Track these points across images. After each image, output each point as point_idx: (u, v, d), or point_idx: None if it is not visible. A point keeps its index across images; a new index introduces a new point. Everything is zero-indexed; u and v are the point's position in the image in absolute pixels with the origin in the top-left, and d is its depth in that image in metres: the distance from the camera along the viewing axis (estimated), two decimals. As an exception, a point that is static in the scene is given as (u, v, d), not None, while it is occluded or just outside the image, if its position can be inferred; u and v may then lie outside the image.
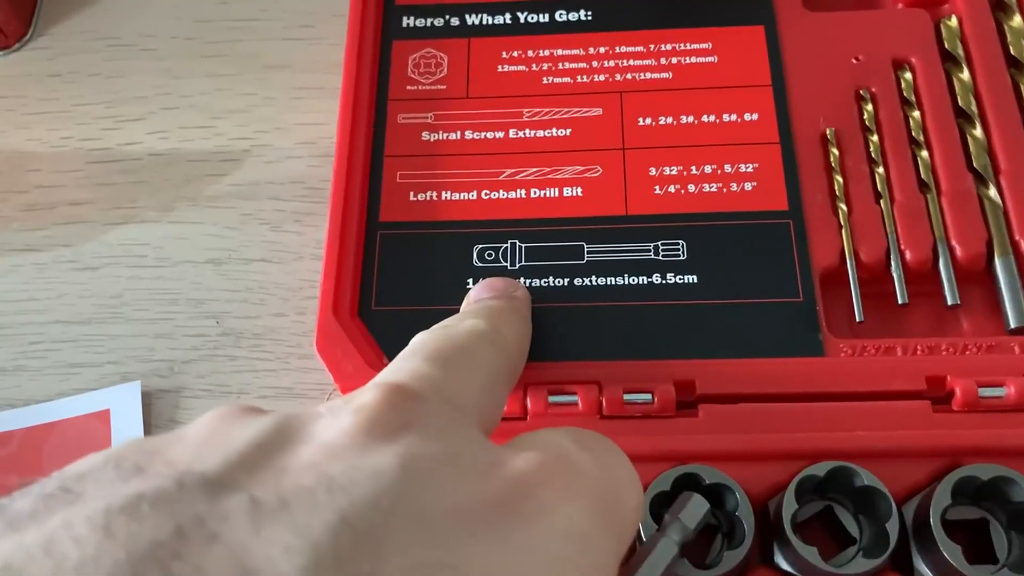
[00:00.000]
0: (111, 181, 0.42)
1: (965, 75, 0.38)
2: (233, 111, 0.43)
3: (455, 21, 0.41)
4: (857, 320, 0.34)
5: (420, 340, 0.25)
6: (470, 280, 0.36)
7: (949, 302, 0.34)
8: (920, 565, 0.29)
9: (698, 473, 0.29)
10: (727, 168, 0.37)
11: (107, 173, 0.42)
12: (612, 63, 0.40)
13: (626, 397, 0.32)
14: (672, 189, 0.37)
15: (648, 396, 0.32)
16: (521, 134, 0.39)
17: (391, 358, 0.34)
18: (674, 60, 0.40)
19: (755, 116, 0.38)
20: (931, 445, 0.30)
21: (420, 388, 0.20)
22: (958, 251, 0.35)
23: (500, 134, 0.39)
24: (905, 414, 0.31)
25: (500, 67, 0.40)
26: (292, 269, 0.39)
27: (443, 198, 0.38)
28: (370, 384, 0.20)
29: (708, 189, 0.37)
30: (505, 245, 0.36)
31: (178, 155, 0.43)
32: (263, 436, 0.18)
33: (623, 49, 0.40)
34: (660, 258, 0.36)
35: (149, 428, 0.37)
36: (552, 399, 0.32)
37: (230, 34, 0.45)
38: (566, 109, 0.39)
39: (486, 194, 0.37)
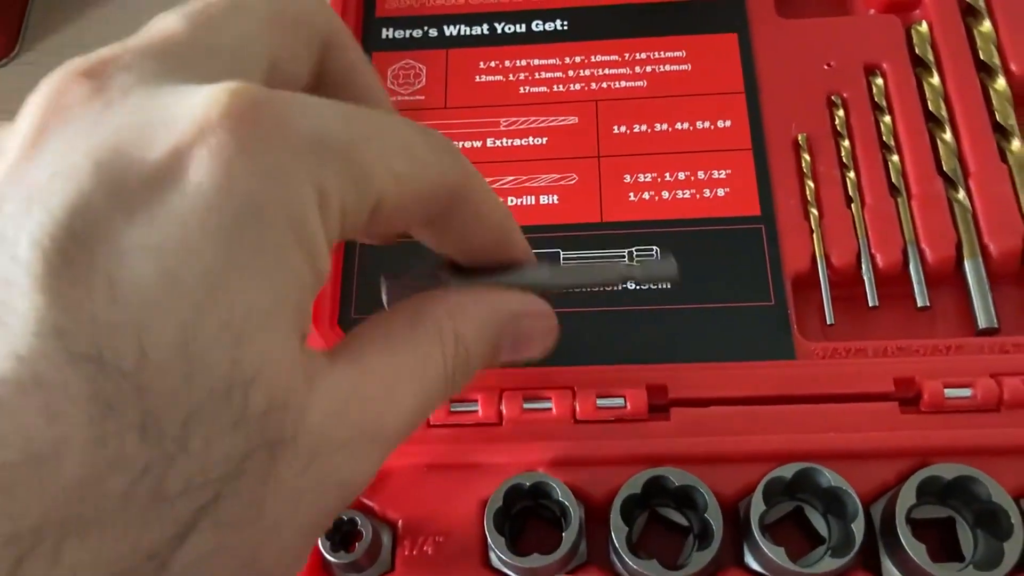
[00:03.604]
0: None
1: (935, 80, 0.39)
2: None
3: (433, 32, 0.42)
4: (828, 323, 0.35)
5: None
6: (448, 288, 0.36)
7: (919, 304, 0.35)
8: (888, 564, 0.30)
9: (667, 475, 0.30)
10: (700, 175, 0.37)
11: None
12: (588, 72, 0.40)
13: (599, 402, 0.32)
14: (646, 196, 0.37)
15: (621, 400, 0.32)
16: (498, 143, 0.39)
17: (370, 365, 0.35)
18: (649, 68, 0.40)
19: (728, 123, 0.38)
20: (899, 446, 0.31)
21: (116, 50, 0.20)
22: (928, 254, 0.35)
23: (478, 143, 0.39)
24: (873, 415, 0.32)
25: (478, 77, 0.41)
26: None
27: (422, 207, 0.38)
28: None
29: (682, 195, 0.37)
30: (482, 253, 0.37)
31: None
32: None
33: (598, 58, 0.41)
34: (634, 264, 0.36)
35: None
36: (527, 405, 0.33)
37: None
38: (542, 118, 0.40)
39: (464, 203, 0.38)
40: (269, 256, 0.18)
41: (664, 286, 0.35)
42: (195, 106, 0.18)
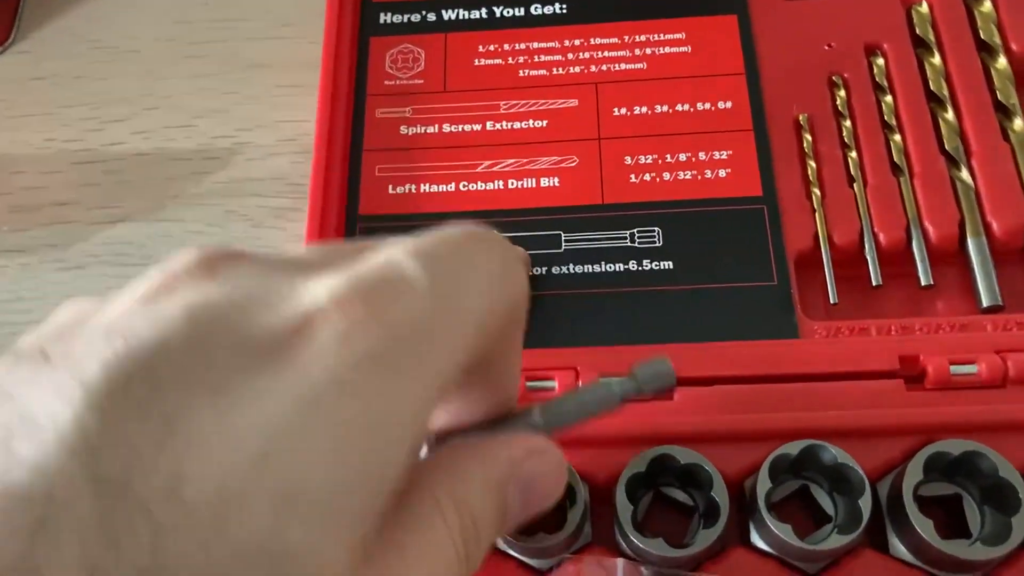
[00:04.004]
0: (95, 181, 0.43)
1: (936, 60, 0.39)
2: (215, 110, 0.44)
3: (431, 16, 0.42)
4: (831, 302, 0.35)
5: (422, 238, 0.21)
6: (449, 271, 0.36)
7: (923, 282, 0.35)
8: (895, 541, 0.29)
9: (673, 454, 0.30)
10: (701, 156, 0.37)
11: (92, 174, 0.43)
12: (587, 55, 0.40)
13: (602, 381, 0.32)
14: (648, 177, 0.37)
15: (624, 380, 0.32)
16: (498, 126, 0.39)
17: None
18: (648, 51, 0.40)
19: (729, 104, 0.38)
20: (904, 423, 0.31)
21: (245, 249, 0.19)
22: (931, 232, 0.35)
23: (477, 127, 0.39)
24: (879, 393, 0.31)
25: (476, 61, 0.41)
26: (274, 264, 0.40)
27: (422, 191, 0.38)
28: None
29: (683, 176, 0.37)
30: (484, 236, 0.37)
31: (162, 155, 0.43)
32: (80, 306, 0.18)
33: (598, 41, 0.40)
34: (636, 245, 0.36)
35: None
36: (530, 384, 0.32)
37: (212, 34, 0.46)
38: (542, 101, 0.39)
39: (464, 186, 0.38)
40: (372, 460, 0.17)
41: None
42: (317, 290, 0.17)
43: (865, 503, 0.28)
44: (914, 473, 0.29)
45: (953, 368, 0.31)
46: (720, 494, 0.29)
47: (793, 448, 0.29)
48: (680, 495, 0.31)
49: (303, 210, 0.38)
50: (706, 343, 0.33)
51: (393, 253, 0.19)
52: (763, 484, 0.29)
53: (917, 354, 0.32)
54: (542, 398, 0.32)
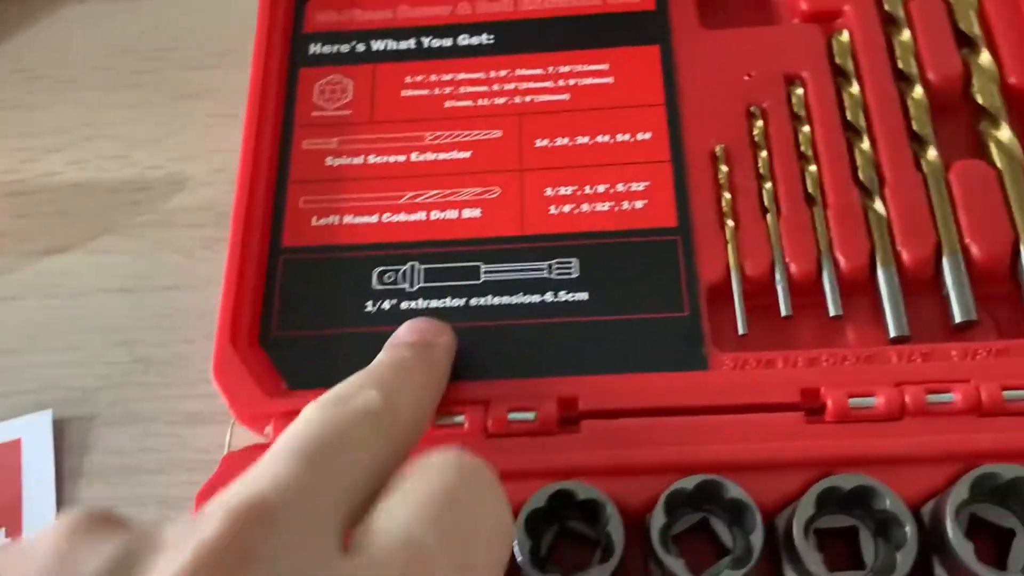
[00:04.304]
0: (28, 213, 0.43)
1: (855, 89, 0.39)
2: (148, 140, 0.44)
3: (361, 47, 0.42)
4: (740, 333, 0.35)
5: (303, 424, 0.24)
6: (369, 302, 0.37)
7: (832, 313, 0.35)
8: (790, 574, 0.30)
9: (572, 489, 0.30)
10: (619, 187, 0.38)
11: (25, 205, 0.43)
12: (512, 86, 0.41)
13: (511, 416, 0.33)
14: (567, 208, 0.38)
15: (532, 414, 0.33)
16: (423, 157, 0.39)
17: (291, 384, 0.35)
18: (572, 82, 0.40)
19: (648, 135, 0.39)
20: (803, 456, 0.31)
21: (276, 502, 0.20)
22: (842, 263, 0.36)
23: (402, 157, 0.40)
24: (778, 426, 0.32)
25: (404, 91, 0.41)
26: (202, 296, 0.40)
27: (345, 222, 0.38)
28: (221, 503, 0.20)
29: (601, 208, 0.38)
30: (404, 267, 0.37)
31: (96, 185, 0.43)
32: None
33: (523, 72, 0.41)
34: (553, 276, 0.36)
35: (61, 455, 0.38)
36: (439, 420, 0.33)
37: (148, 64, 0.46)
38: (467, 132, 0.40)
39: (387, 217, 0.38)
40: None
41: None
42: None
43: (756, 538, 0.29)
44: (806, 507, 0.29)
45: (852, 401, 0.32)
46: (615, 529, 0.29)
47: (689, 483, 0.30)
48: (585, 529, 0.32)
49: (230, 240, 0.38)
50: (614, 374, 0.34)
51: (403, 530, 0.21)
52: (658, 519, 0.29)
53: (818, 387, 0.32)
54: (449, 435, 0.33)
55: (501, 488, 0.24)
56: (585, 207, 0.38)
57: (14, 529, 0.36)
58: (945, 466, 0.31)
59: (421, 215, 0.38)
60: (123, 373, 0.39)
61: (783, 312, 0.35)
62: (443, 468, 0.23)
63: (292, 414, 0.33)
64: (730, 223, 0.37)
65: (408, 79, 0.41)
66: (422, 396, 0.30)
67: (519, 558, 0.29)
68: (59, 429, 0.38)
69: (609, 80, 0.40)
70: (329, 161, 0.40)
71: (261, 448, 0.34)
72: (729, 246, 0.36)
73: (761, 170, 0.38)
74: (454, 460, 0.23)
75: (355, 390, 0.27)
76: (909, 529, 0.28)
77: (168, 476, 0.37)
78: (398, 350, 0.32)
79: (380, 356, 0.32)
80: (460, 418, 0.33)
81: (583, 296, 0.36)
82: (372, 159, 0.40)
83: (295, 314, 0.37)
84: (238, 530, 0.19)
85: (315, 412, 0.25)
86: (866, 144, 0.38)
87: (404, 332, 0.33)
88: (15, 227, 0.43)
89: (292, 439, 0.23)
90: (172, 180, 0.43)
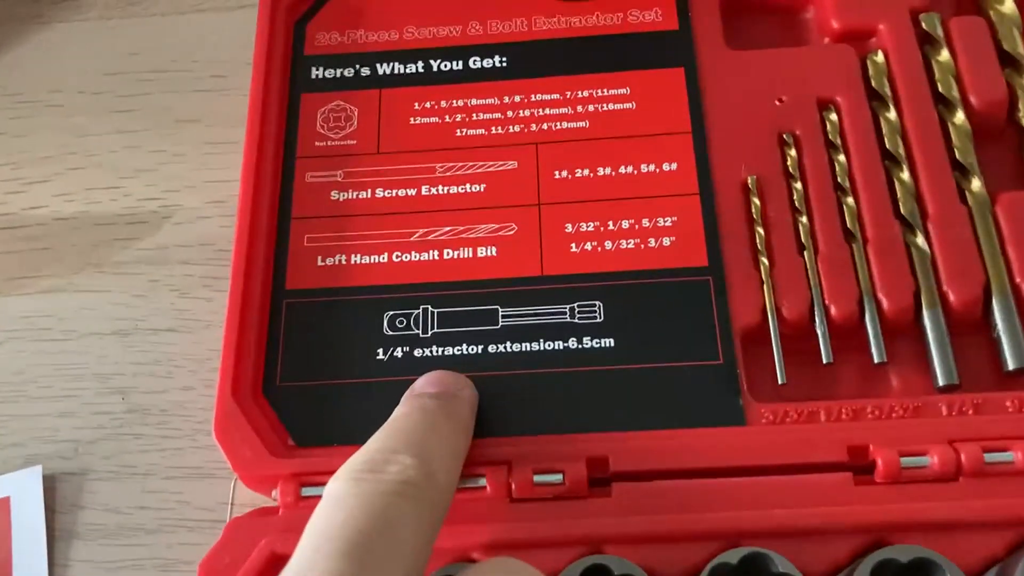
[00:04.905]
0: (14, 249, 0.40)
1: (892, 114, 0.37)
2: (142, 170, 0.42)
3: (366, 71, 0.40)
4: (780, 383, 0.33)
5: (339, 506, 0.23)
6: (380, 350, 0.34)
7: (876, 360, 0.33)
8: (842, 650, 0.28)
9: (606, 564, 0.28)
10: (645, 223, 0.35)
11: (10, 240, 0.41)
12: (527, 112, 0.38)
13: (536, 478, 0.30)
14: (589, 247, 0.35)
15: (559, 476, 0.30)
16: (434, 190, 0.37)
17: (296, 439, 0.33)
18: (591, 107, 0.38)
19: (674, 166, 0.36)
20: (853, 522, 0.29)
21: None
22: (885, 304, 0.33)
23: (412, 191, 0.37)
24: (826, 488, 0.30)
25: (412, 119, 0.39)
26: (200, 339, 0.38)
27: (352, 262, 0.36)
28: None
29: (626, 245, 0.35)
30: (417, 311, 0.35)
31: (85, 219, 0.41)
32: None
33: (539, 97, 0.38)
34: (576, 321, 0.34)
35: (52, 514, 0.35)
36: (460, 484, 0.30)
37: (140, 87, 0.44)
38: (480, 163, 0.37)
39: (397, 256, 0.36)
40: None
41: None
42: None
43: (808, 617, 0.27)
44: (861, 582, 0.27)
45: (904, 460, 0.30)
46: (655, 608, 0.27)
47: (733, 556, 0.28)
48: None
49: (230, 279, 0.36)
50: (647, 431, 0.32)
51: None
52: (701, 596, 0.27)
53: (867, 444, 0.30)
54: (470, 500, 0.30)
55: None
56: (609, 245, 0.35)
57: (3, 596, 0.34)
58: (1006, 532, 0.28)
59: (433, 254, 0.36)
60: (117, 424, 0.37)
61: (824, 359, 0.33)
62: None
63: (300, 477, 0.31)
64: (765, 261, 0.34)
65: (416, 105, 0.39)
66: (453, 455, 0.28)
67: (551, 641, 0.27)
68: (49, 485, 0.36)
69: (631, 105, 0.38)
70: (334, 195, 0.37)
71: (269, 512, 0.32)
72: (765, 286, 0.34)
73: (796, 203, 0.35)
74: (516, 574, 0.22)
75: (387, 456, 0.25)
76: (973, 608, 0.26)
77: (168, 536, 0.35)
78: (421, 401, 0.30)
79: (402, 409, 0.30)
80: (482, 481, 0.31)
81: (609, 342, 0.34)
82: (380, 193, 0.37)
83: (301, 363, 0.34)
84: None
85: (350, 488, 0.24)
86: (906, 174, 0.36)
87: (424, 384, 0.31)
88: (1, 265, 0.40)
89: (332, 528, 0.22)
90: (167, 213, 0.41)
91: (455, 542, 0.30)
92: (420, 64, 0.40)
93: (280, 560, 0.30)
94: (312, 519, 0.23)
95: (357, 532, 0.22)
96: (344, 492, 0.24)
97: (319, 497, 0.30)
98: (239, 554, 0.30)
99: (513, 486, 0.30)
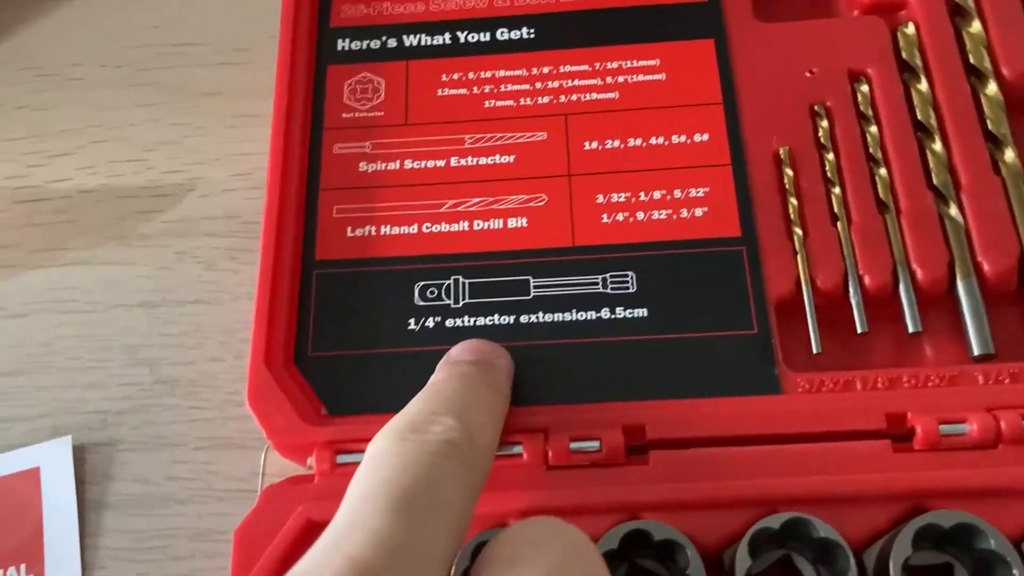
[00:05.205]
0: (38, 221, 0.40)
1: (923, 86, 0.37)
2: (165, 143, 0.41)
3: (392, 43, 0.40)
4: (814, 352, 0.33)
5: (384, 463, 0.23)
6: (412, 320, 0.34)
7: (910, 329, 0.33)
8: (882, 616, 0.28)
9: (647, 529, 0.28)
10: (677, 193, 0.35)
11: (34, 213, 0.40)
12: (556, 83, 0.38)
13: (572, 445, 0.30)
14: (620, 217, 0.35)
15: (596, 444, 0.30)
16: (463, 162, 0.37)
17: (329, 407, 0.33)
18: (621, 79, 0.38)
19: (706, 136, 0.36)
20: (892, 489, 0.29)
21: (379, 567, 0.19)
22: (919, 274, 0.33)
23: (441, 163, 0.37)
24: (865, 456, 0.30)
25: (440, 91, 0.38)
26: (228, 310, 0.38)
27: (382, 233, 0.36)
28: (325, 573, 0.19)
29: (658, 216, 0.35)
30: (448, 281, 0.35)
31: (108, 191, 0.41)
32: None
33: (567, 68, 0.38)
34: (609, 291, 0.34)
35: (82, 485, 0.35)
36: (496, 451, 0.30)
37: (161, 60, 0.43)
38: (509, 134, 0.37)
39: (427, 227, 0.36)
40: None
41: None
42: None
43: (851, 581, 0.27)
44: (903, 547, 0.27)
45: (943, 427, 0.30)
46: (697, 572, 0.27)
47: (775, 521, 0.28)
48: (658, 567, 0.29)
49: (257, 250, 0.36)
50: (683, 400, 0.31)
51: None
52: (743, 561, 0.27)
53: (905, 412, 0.30)
54: (507, 467, 0.30)
55: (603, 561, 0.22)
56: (640, 215, 0.35)
57: (35, 565, 0.34)
58: (1046, 498, 0.28)
59: (463, 225, 0.36)
60: (146, 395, 0.36)
61: (859, 329, 0.33)
62: (548, 543, 0.21)
63: (335, 444, 0.31)
64: (798, 232, 0.34)
65: (444, 77, 0.39)
66: (493, 419, 0.28)
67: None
68: (78, 456, 0.36)
69: (661, 77, 0.38)
70: (362, 167, 0.37)
71: (304, 480, 0.32)
72: (798, 257, 0.34)
73: (828, 174, 0.35)
74: (561, 533, 0.22)
75: (428, 417, 0.25)
76: (1017, 570, 0.26)
77: (198, 506, 0.34)
78: (460, 367, 0.30)
79: (440, 375, 0.30)
80: (518, 448, 0.31)
81: (642, 312, 0.34)
82: (408, 164, 0.37)
83: (332, 333, 0.34)
84: None
85: (393, 447, 0.24)
86: (938, 145, 0.35)
87: (460, 351, 0.31)
88: (24, 237, 0.40)
89: (378, 484, 0.22)
90: (191, 186, 0.40)
91: (492, 508, 0.29)
92: (447, 35, 0.40)
93: (316, 527, 0.30)
94: (356, 477, 0.23)
95: (402, 489, 0.22)
96: (388, 451, 0.23)
97: (354, 464, 0.31)
98: (275, 522, 0.30)
99: (550, 453, 0.30)
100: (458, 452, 0.24)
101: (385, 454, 0.23)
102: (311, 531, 0.30)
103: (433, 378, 0.29)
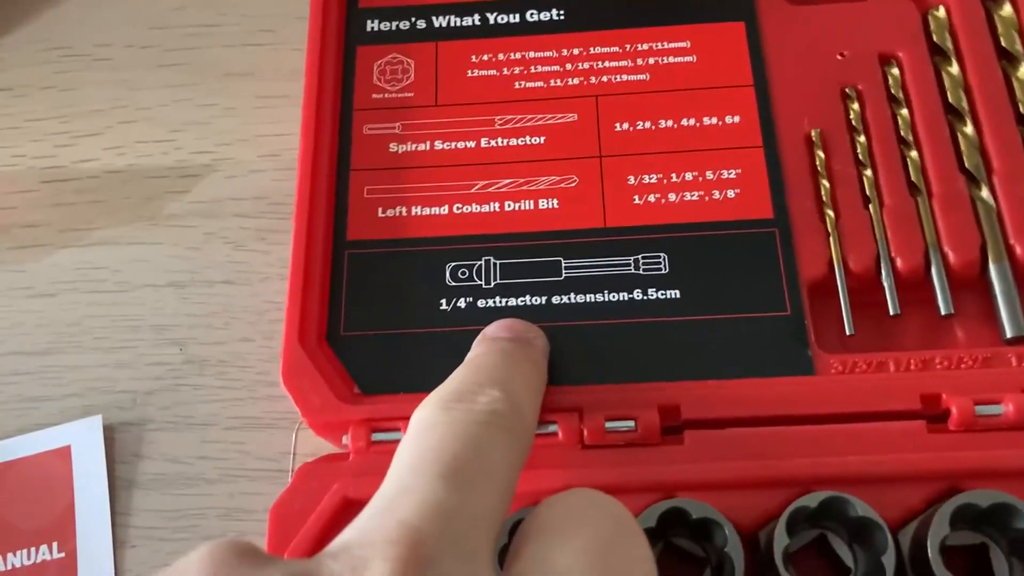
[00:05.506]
0: (66, 201, 0.40)
1: (955, 69, 0.37)
2: (193, 123, 0.41)
3: (421, 24, 0.40)
4: (847, 333, 0.33)
5: (432, 431, 0.23)
6: (443, 300, 0.34)
7: (943, 312, 0.33)
8: (918, 595, 0.28)
9: (685, 508, 0.28)
10: (709, 175, 0.35)
11: (62, 192, 0.41)
12: (586, 65, 0.38)
13: (608, 425, 0.30)
14: (652, 198, 0.35)
15: (631, 423, 0.30)
16: (493, 143, 0.37)
17: (362, 386, 0.33)
18: (651, 60, 0.38)
19: (737, 118, 0.36)
20: (928, 469, 0.29)
21: (432, 534, 0.19)
22: (951, 257, 0.33)
23: (471, 144, 0.37)
24: (900, 436, 0.30)
25: (470, 72, 0.38)
26: (258, 291, 0.38)
27: (413, 213, 0.36)
28: (376, 538, 0.19)
29: (689, 197, 0.35)
30: (479, 262, 0.35)
31: (136, 172, 0.41)
32: None
33: (598, 50, 0.38)
34: (641, 272, 0.34)
35: (112, 464, 0.35)
36: (531, 429, 0.30)
37: (188, 41, 0.43)
38: (539, 116, 0.37)
39: (458, 208, 0.36)
40: None
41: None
42: None
43: (888, 560, 0.27)
44: (940, 526, 0.27)
45: (978, 408, 0.30)
46: (734, 550, 0.27)
47: (812, 500, 0.28)
48: (692, 547, 0.29)
49: (287, 231, 0.35)
50: (717, 380, 0.32)
51: None
52: (780, 539, 0.27)
53: (939, 392, 0.30)
54: (543, 445, 0.30)
55: (642, 531, 0.22)
56: (672, 197, 0.35)
57: (67, 543, 0.34)
58: (1082, 479, 0.28)
59: (494, 206, 0.36)
60: (175, 375, 0.37)
61: (891, 311, 0.33)
62: (591, 514, 0.21)
63: (371, 422, 0.31)
64: (830, 214, 0.34)
65: (474, 58, 0.39)
66: (534, 393, 0.28)
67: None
68: (109, 435, 0.36)
69: (691, 59, 0.38)
70: (393, 147, 0.37)
71: (339, 458, 0.32)
72: (831, 239, 0.34)
73: (860, 156, 0.35)
74: (601, 505, 0.22)
75: (474, 388, 0.25)
76: (1055, 551, 0.26)
77: (229, 486, 0.35)
78: (499, 343, 0.30)
79: (480, 349, 0.30)
80: (553, 427, 0.31)
81: (675, 294, 0.34)
82: (439, 145, 0.37)
83: (364, 313, 0.34)
84: (403, 571, 0.18)
85: (440, 416, 0.24)
86: (970, 128, 0.35)
87: (496, 329, 0.31)
88: (53, 217, 0.40)
89: (427, 451, 0.22)
90: (219, 167, 0.40)
91: (528, 487, 0.29)
92: (476, 17, 0.39)
93: (352, 505, 0.30)
94: (402, 445, 0.23)
95: (452, 456, 0.22)
96: (434, 420, 0.23)
97: (390, 443, 0.31)
98: (310, 499, 0.30)
99: (585, 432, 0.30)
100: (505, 422, 0.24)
101: (433, 422, 0.23)
102: (348, 509, 0.30)
103: (472, 352, 0.29)
